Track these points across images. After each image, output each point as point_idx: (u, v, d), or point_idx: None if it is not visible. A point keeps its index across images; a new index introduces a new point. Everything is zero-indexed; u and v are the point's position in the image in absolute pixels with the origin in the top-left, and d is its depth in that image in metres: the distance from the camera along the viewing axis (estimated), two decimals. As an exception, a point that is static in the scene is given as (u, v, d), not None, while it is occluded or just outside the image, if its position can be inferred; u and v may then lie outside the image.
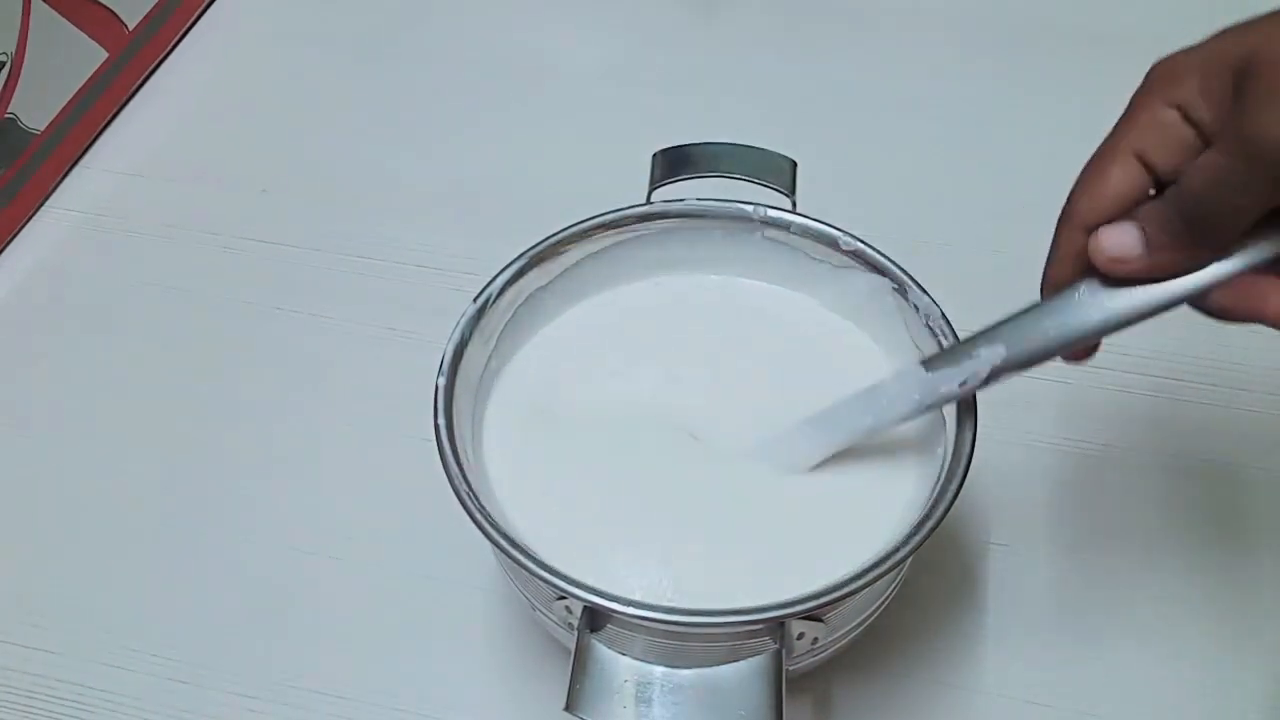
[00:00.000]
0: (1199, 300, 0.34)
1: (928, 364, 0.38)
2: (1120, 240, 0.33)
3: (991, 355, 0.36)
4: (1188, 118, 0.32)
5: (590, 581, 0.35)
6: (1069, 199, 0.34)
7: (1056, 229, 0.35)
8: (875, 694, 0.45)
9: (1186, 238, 0.32)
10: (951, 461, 0.38)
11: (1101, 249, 0.33)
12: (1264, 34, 0.30)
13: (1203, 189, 0.31)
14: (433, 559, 0.48)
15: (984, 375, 0.37)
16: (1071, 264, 0.34)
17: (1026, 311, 0.36)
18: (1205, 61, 0.31)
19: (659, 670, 0.35)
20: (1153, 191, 0.33)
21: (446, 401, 0.40)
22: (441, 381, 0.40)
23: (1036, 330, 0.35)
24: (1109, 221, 0.33)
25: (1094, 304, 0.34)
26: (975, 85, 0.66)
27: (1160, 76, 0.33)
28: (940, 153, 0.63)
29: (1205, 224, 0.32)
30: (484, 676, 0.46)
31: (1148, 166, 0.33)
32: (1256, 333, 0.53)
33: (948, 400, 0.38)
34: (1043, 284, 0.36)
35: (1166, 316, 0.34)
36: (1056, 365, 0.52)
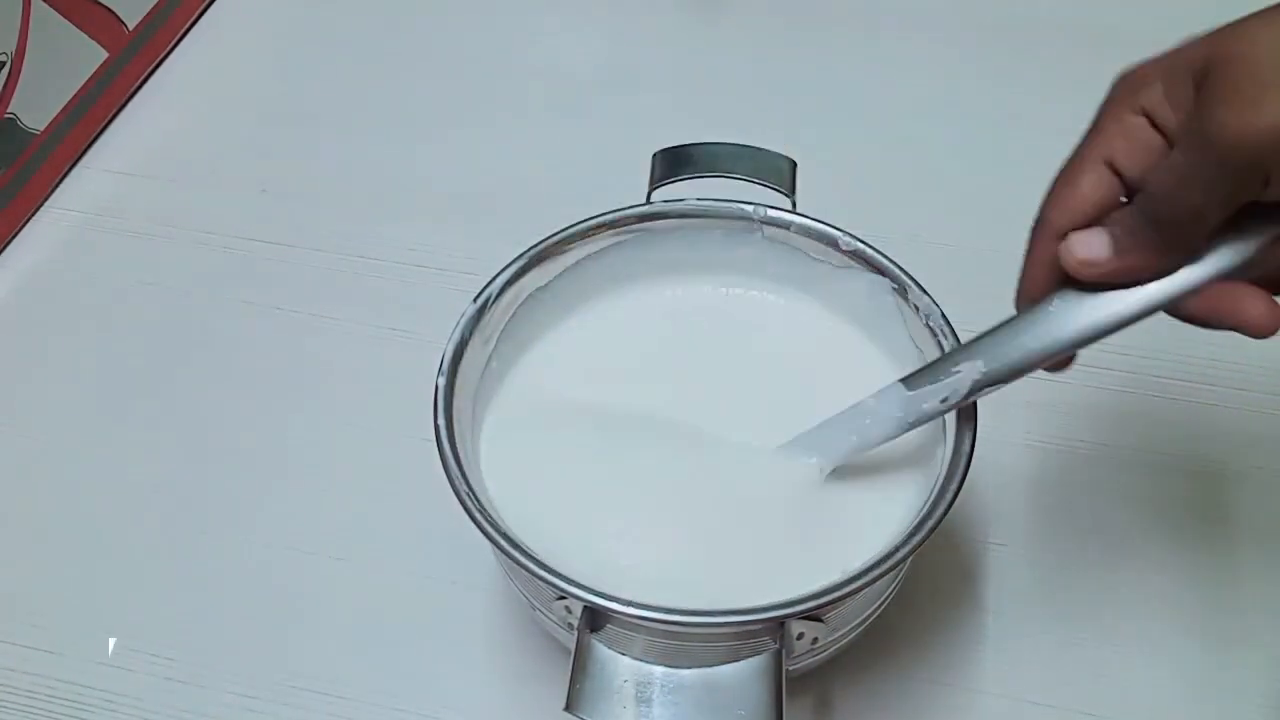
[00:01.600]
0: (1175, 308, 0.34)
1: (908, 381, 0.39)
2: (1089, 243, 0.33)
3: (971, 370, 0.37)
4: (1154, 123, 0.32)
5: (590, 582, 0.35)
6: (1041, 209, 0.35)
7: (1030, 239, 0.35)
8: (875, 694, 0.45)
9: (1154, 240, 0.32)
10: (951, 461, 0.38)
11: (1071, 252, 0.33)
12: (1222, 37, 0.30)
13: (1167, 189, 0.31)
14: (433, 559, 0.48)
15: (965, 391, 0.37)
16: (1045, 273, 0.35)
17: (1004, 325, 0.36)
18: (1169, 68, 0.32)
19: (659, 670, 0.35)
20: (1124, 199, 0.33)
21: (446, 401, 0.40)
22: (441, 381, 0.40)
23: (1014, 344, 0.36)
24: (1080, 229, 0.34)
25: (1069, 316, 0.35)
26: (975, 85, 0.66)
27: (1125, 84, 0.33)
28: (940, 153, 0.63)
29: (1171, 225, 0.32)
30: (484, 676, 0.46)
31: (1117, 173, 0.33)
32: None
33: (931, 417, 0.38)
34: (1017, 296, 0.36)
35: (1164, 318, 0.34)
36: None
